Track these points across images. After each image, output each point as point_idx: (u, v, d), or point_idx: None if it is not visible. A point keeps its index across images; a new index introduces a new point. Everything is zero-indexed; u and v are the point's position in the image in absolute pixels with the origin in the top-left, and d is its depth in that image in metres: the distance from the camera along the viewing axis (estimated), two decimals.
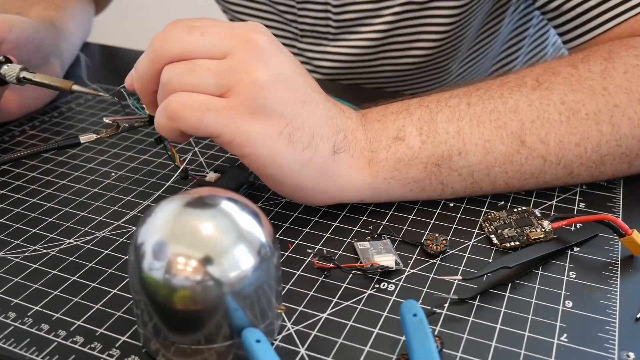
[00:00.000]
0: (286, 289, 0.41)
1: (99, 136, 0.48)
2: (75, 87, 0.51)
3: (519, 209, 0.47)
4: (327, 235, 0.46)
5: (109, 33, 0.82)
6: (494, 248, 0.44)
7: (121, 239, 0.46)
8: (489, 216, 0.47)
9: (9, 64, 0.54)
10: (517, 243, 0.44)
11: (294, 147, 0.42)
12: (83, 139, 0.47)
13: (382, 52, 0.71)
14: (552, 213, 0.48)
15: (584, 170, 0.48)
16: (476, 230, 0.46)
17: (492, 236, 0.45)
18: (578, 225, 0.47)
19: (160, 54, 0.41)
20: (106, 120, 0.49)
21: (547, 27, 0.82)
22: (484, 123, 0.46)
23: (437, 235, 0.45)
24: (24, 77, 0.53)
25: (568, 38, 0.58)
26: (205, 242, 0.33)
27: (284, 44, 0.74)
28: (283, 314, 0.39)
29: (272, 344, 0.37)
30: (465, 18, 0.68)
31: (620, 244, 0.44)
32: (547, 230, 0.44)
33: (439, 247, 0.43)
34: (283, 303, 0.39)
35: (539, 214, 0.46)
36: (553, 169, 0.47)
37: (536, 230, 0.45)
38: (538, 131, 0.46)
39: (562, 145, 0.47)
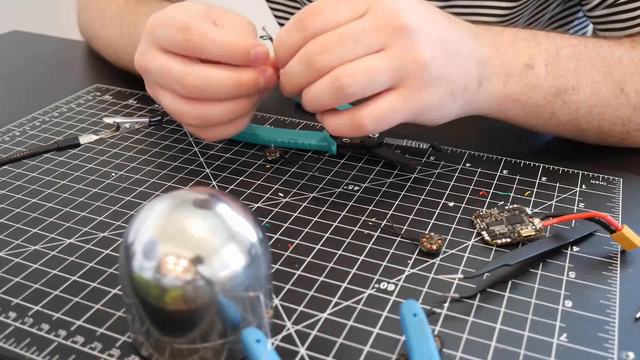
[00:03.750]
0: (286, 288, 0.41)
1: (98, 137, 0.48)
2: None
3: (510, 206, 0.47)
4: (327, 235, 0.46)
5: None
6: (494, 248, 0.44)
7: (121, 239, 0.46)
8: (481, 213, 0.47)
9: None
10: (508, 240, 0.44)
11: (456, 99, 0.47)
12: (83, 139, 0.47)
13: None
14: (552, 212, 0.48)
15: None
16: (476, 230, 0.46)
17: (483, 233, 0.45)
18: (577, 224, 0.47)
19: (319, 68, 0.44)
20: (106, 120, 0.49)
21: None
22: (596, 67, 0.52)
23: (432, 234, 0.45)
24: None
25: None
26: (196, 242, 0.33)
27: None
28: (282, 312, 0.39)
29: (272, 344, 0.37)
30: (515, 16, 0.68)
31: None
32: (537, 227, 0.45)
33: (433, 246, 0.44)
34: (273, 303, 0.39)
35: (529, 212, 0.46)
36: (638, 118, 0.53)
37: (527, 228, 0.45)
38: (636, 83, 0.53)
39: None
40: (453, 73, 0.46)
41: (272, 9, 0.83)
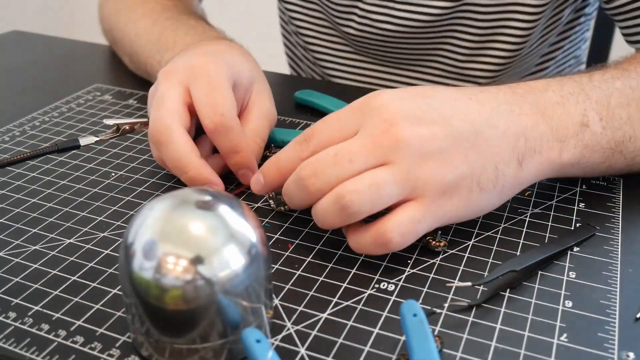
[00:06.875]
0: (286, 289, 0.41)
1: (99, 138, 0.48)
2: None
3: None
4: (327, 235, 0.46)
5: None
6: (494, 248, 0.44)
7: (121, 239, 0.46)
8: None
9: None
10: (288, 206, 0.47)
11: (487, 192, 0.42)
12: (83, 141, 0.47)
13: (453, 20, 0.70)
14: (551, 213, 0.48)
15: None
16: (476, 231, 0.46)
17: (270, 201, 0.49)
18: (578, 225, 0.47)
19: (315, 192, 0.41)
20: (107, 122, 0.49)
21: (582, 37, 0.82)
22: None
23: (439, 232, 0.45)
24: None
25: (634, 39, 0.62)
26: (196, 242, 0.33)
27: (345, 5, 0.73)
28: (282, 312, 0.39)
29: (272, 344, 0.37)
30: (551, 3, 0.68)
31: (619, 243, 0.45)
32: None
33: (440, 244, 0.44)
34: (273, 303, 0.39)
35: None
36: None
37: None
38: None
39: None
40: (476, 167, 0.42)
41: (287, 9, 0.82)
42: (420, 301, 0.40)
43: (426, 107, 0.42)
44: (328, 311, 0.39)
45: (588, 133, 0.46)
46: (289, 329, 0.38)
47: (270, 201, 0.49)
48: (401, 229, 0.40)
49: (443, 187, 0.41)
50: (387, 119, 0.40)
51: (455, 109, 0.43)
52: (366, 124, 0.41)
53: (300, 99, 0.66)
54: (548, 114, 0.45)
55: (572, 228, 0.46)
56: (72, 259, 0.44)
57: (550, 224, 0.47)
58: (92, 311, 0.39)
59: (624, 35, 0.65)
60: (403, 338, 0.37)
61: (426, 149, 0.40)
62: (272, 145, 0.56)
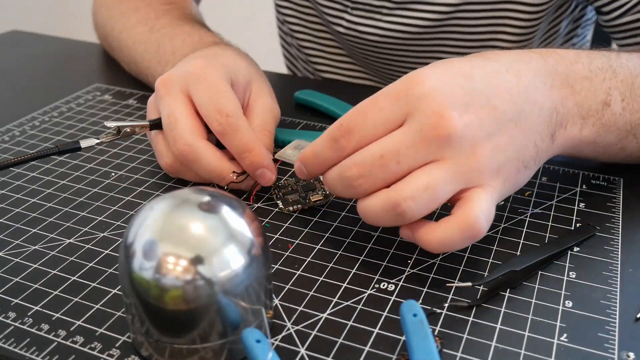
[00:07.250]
0: (286, 289, 0.41)
1: (100, 140, 0.48)
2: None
3: None
4: (327, 235, 0.46)
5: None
6: (494, 248, 0.44)
7: (121, 239, 0.46)
8: (279, 184, 0.51)
9: None
10: (299, 206, 0.48)
11: (529, 168, 0.42)
12: (84, 143, 0.47)
13: (441, 32, 0.70)
14: (551, 213, 0.48)
15: None
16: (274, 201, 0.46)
17: (278, 202, 0.49)
18: (578, 225, 0.47)
19: (362, 192, 0.40)
20: (107, 124, 0.49)
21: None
22: None
23: None
24: None
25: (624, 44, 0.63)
26: (196, 242, 0.33)
27: (332, 15, 0.74)
28: (282, 312, 0.39)
29: (272, 344, 0.37)
30: (543, 14, 0.68)
31: (620, 244, 0.45)
32: (327, 192, 0.49)
33: None
34: (273, 304, 0.39)
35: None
36: None
37: (317, 194, 0.49)
38: None
39: None
40: (520, 147, 0.41)
41: (281, 12, 0.82)
42: (420, 301, 0.40)
43: (471, 90, 0.40)
44: (328, 311, 0.39)
45: (608, 112, 0.46)
46: (289, 329, 0.38)
47: (278, 202, 0.49)
48: (488, 215, 0.39)
49: (496, 171, 0.40)
50: (436, 110, 0.38)
51: (496, 87, 0.41)
52: (413, 115, 0.38)
53: (300, 99, 0.66)
54: (576, 88, 0.45)
55: (572, 228, 0.46)
56: (72, 259, 0.44)
57: (550, 224, 0.47)
58: (92, 311, 0.39)
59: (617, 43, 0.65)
60: (403, 338, 0.37)
61: (476, 138, 0.39)
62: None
